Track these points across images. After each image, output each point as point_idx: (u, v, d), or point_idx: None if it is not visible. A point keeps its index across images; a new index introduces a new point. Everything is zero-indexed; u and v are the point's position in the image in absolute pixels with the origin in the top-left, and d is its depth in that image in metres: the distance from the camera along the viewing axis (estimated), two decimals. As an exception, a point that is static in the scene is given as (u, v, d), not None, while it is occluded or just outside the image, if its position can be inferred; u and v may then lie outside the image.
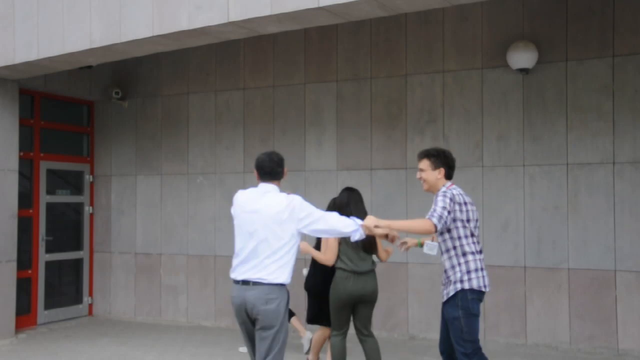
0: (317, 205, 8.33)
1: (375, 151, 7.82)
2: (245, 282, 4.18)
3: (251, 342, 4.29)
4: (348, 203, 5.52)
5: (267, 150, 8.39)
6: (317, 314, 5.96)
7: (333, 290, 5.42)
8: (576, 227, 6.88)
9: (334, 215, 4.38)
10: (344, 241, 5.35)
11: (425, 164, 4.54)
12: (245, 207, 4.30)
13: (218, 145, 8.72)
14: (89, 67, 8.23)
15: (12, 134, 7.93)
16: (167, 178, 9.03)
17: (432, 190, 4.54)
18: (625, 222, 6.68)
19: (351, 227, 4.30)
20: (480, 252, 4.44)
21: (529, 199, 7.09)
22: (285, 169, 4.44)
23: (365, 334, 5.44)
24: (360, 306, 5.42)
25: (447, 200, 4.29)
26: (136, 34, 6.31)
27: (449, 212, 4.26)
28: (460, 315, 4.28)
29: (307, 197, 8.33)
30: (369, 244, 5.33)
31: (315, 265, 5.97)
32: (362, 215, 5.10)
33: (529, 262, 7.08)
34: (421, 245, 4.86)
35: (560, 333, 6.91)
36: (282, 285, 4.17)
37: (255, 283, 4.15)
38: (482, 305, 7.17)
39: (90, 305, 9.42)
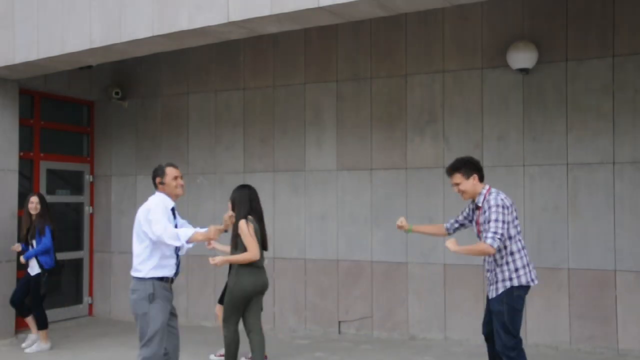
0: (317, 205, 8.37)
1: (375, 151, 7.82)
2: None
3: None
4: (250, 200, 5.85)
5: (265, 149, 8.41)
6: None
7: (239, 285, 5.64)
8: (576, 227, 6.88)
9: (168, 226, 4.78)
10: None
11: (458, 177, 4.80)
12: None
13: (218, 145, 8.72)
14: (89, 67, 8.22)
15: (12, 134, 7.92)
16: (167, 178, 9.02)
17: (473, 197, 4.83)
18: (625, 222, 6.68)
19: (177, 243, 4.73)
20: (524, 247, 4.76)
21: (529, 199, 7.09)
22: (158, 179, 4.98)
23: (258, 327, 5.77)
24: (255, 299, 5.78)
25: (501, 211, 4.58)
26: (136, 34, 6.31)
27: (505, 223, 4.58)
28: (505, 311, 4.60)
29: (307, 197, 8.38)
30: (263, 241, 5.84)
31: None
32: (259, 213, 5.85)
33: (529, 262, 7.07)
34: (411, 231, 5.19)
35: (560, 333, 6.91)
36: (140, 278, 4.81)
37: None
38: (482, 305, 7.19)
39: (90, 305, 9.41)
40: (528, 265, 4.72)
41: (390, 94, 7.76)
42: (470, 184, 4.77)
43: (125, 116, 9.36)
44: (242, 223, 5.61)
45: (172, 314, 5.04)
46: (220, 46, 8.22)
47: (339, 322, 7.95)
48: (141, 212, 4.87)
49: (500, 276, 4.66)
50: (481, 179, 4.81)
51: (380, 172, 7.80)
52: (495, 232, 4.54)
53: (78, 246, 9.37)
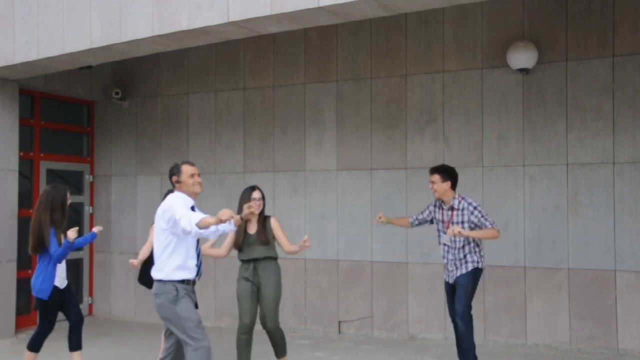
0: (317, 205, 8.34)
1: (375, 151, 7.82)
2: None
3: None
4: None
5: (265, 149, 8.38)
6: None
7: (280, 283, 5.84)
8: (576, 227, 6.88)
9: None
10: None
11: (435, 177, 5.84)
12: None
13: (218, 145, 8.72)
14: (89, 67, 8.23)
15: (12, 134, 7.93)
16: (167, 178, 8.98)
17: (443, 198, 5.87)
18: (625, 222, 6.68)
19: (189, 227, 4.58)
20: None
21: (529, 199, 7.09)
22: (174, 178, 4.88)
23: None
24: None
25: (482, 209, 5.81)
26: (136, 34, 6.31)
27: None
28: (469, 284, 5.75)
29: (307, 197, 8.37)
30: None
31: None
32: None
33: (529, 262, 7.08)
34: (389, 222, 6.25)
35: (560, 333, 6.91)
36: (162, 281, 4.66)
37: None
38: (482, 305, 7.26)
39: (90, 305, 9.42)
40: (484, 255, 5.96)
41: (390, 94, 7.76)
42: (442, 187, 5.81)
43: (125, 116, 9.36)
44: (276, 220, 5.92)
45: None
46: (220, 46, 8.22)
47: (339, 322, 7.95)
48: (159, 211, 4.75)
49: (470, 259, 5.76)
50: (453, 187, 5.88)
51: (380, 172, 7.80)
52: (493, 222, 5.78)
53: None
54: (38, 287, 5.70)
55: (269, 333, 5.77)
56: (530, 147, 7.10)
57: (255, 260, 5.72)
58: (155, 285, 4.70)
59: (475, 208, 5.75)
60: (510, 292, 7.13)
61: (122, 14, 6.39)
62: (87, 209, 9.45)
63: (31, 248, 5.70)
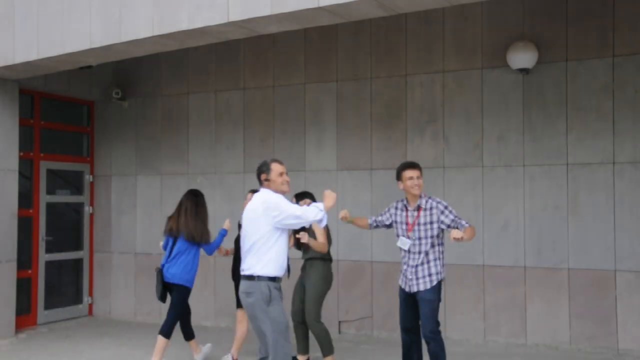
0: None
1: (375, 151, 7.82)
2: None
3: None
4: None
5: (265, 149, 8.41)
6: None
7: (330, 278, 6.26)
8: (576, 227, 6.88)
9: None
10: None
11: (419, 172, 5.33)
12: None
13: (218, 145, 8.73)
14: (89, 67, 8.22)
15: (12, 134, 7.92)
16: (167, 178, 9.03)
17: (415, 196, 5.31)
18: (625, 222, 6.68)
19: (320, 214, 4.78)
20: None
21: (529, 199, 7.09)
22: (264, 176, 4.85)
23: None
24: None
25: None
26: (136, 34, 6.31)
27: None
28: (435, 299, 5.25)
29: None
30: None
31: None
32: None
33: (529, 262, 7.08)
34: (352, 222, 5.65)
35: (560, 333, 6.91)
36: (254, 278, 4.67)
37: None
38: (482, 305, 7.25)
39: (90, 305, 9.42)
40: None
41: (390, 94, 7.76)
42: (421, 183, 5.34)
43: (125, 116, 9.37)
44: None
45: None
46: (220, 46, 8.22)
47: (339, 322, 7.95)
48: (258, 208, 4.71)
49: (434, 270, 5.24)
50: None
51: (380, 172, 7.79)
52: (467, 221, 5.22)
53: (78, 246, 9.37)
54: (186, 276, 6.25)
55: (309, 327, 6.14)
56: (530, 147, 7.10)
57: (305, 259, 6.28)
58: (246, 283, 4.69)
59: (446, 207, 5.22)
60: (510, 292, 7.13)
61: (122, 14, 6.39)
62: (87, 209, 9.45)
63: (188, 239, 6.21)
